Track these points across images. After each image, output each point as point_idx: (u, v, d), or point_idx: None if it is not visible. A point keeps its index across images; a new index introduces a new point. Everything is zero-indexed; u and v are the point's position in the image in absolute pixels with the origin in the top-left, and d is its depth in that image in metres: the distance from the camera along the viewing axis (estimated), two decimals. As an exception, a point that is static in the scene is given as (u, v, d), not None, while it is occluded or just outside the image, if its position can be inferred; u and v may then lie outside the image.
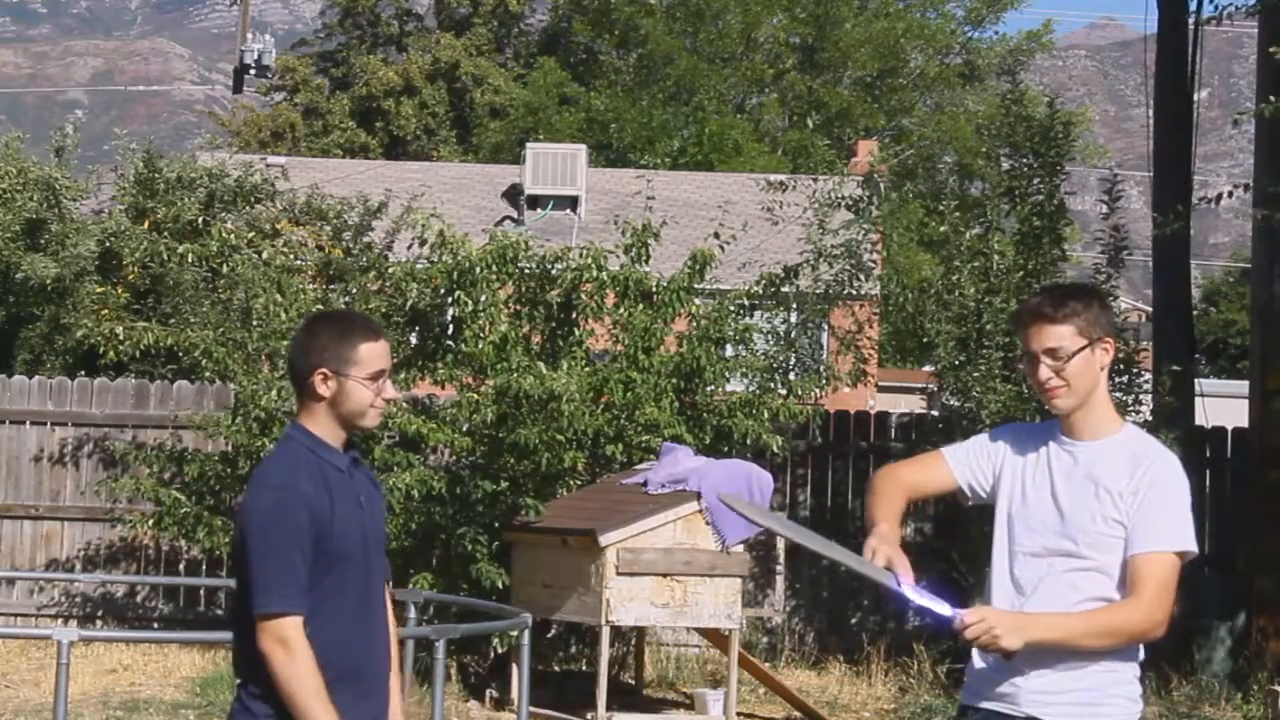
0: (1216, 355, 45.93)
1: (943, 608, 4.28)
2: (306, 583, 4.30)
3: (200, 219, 16.15)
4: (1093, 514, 4.32)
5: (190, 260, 14.61)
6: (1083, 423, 4.43)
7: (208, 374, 13.80)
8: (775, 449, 12.99)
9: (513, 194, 31.41)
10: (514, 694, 10.67)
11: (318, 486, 4.36)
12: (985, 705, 4.40)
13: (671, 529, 11.05)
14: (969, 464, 4.54)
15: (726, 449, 12.65)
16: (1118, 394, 13.46)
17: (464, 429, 12.45)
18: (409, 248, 13.91)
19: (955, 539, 13.93)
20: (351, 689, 4.40)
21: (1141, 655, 4.39)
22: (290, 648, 4.26)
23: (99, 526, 14.35)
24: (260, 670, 4.30)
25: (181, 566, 14.29)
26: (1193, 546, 4.32)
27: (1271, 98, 12.60)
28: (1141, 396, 13.68)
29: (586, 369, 12.62)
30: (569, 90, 40.70)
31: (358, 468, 4.53)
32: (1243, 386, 15.25)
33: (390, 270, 13.74)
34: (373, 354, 4.43)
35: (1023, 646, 4.20)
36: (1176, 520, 4.30)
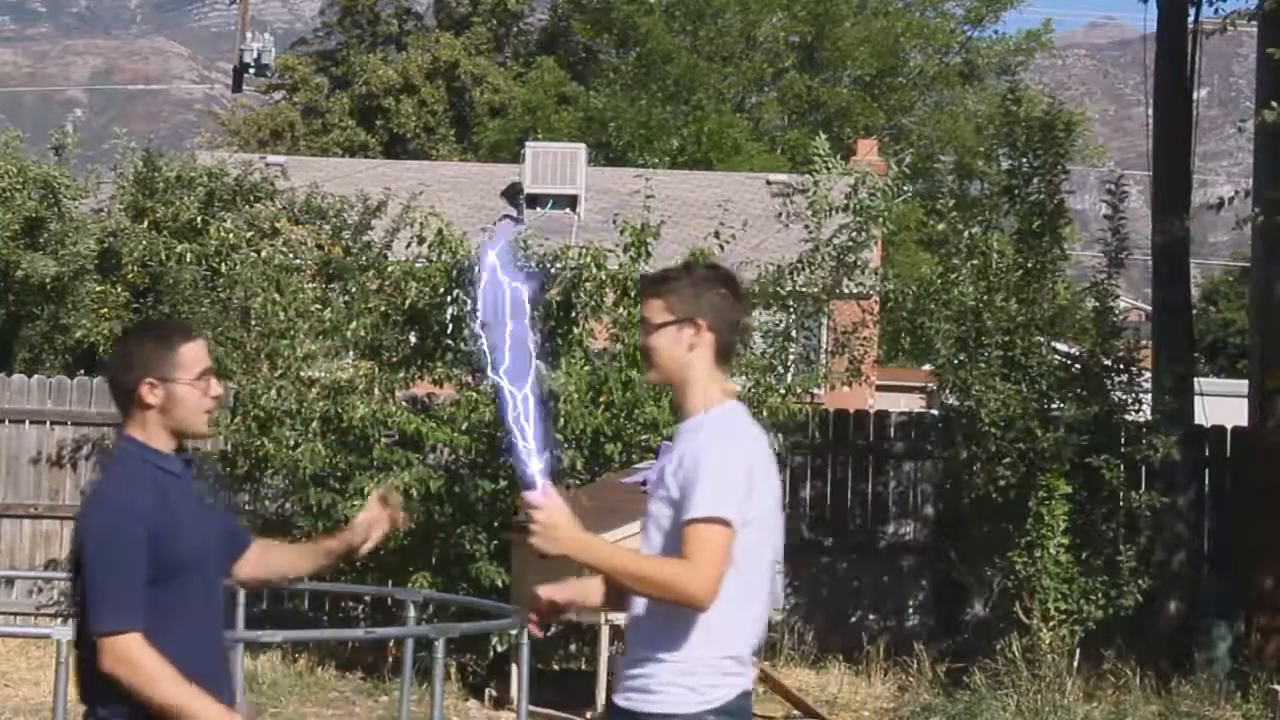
0: (1216, 355, 45.85)
1: (533, 460, 4.24)
2: (147, 600, 4.22)
3: (199, 218, 16.13)
4: (658, 499, 4.37)
5: (189, 259, 14.60)
6: (679, 405, 4.48)
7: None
8: (775, 448, 12.96)
9: (512, 193, 31.38)
10: (513, 693, 10.66)
11: (156, 499, 4.29)
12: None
13: (671, 528, 11.01)
14: None
15: (726, 448, 12.61)
16: (1118, 393, 13.45)
17: (463, 428, 12.44)
18: (408, 246, 13.89)
19: (956, 539, 13.93)
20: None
21: (717, 649, 4.29)
22: (135, 663, 4.18)
23: (98, 525, 14.32)
24: (112, 689, 4.21)
25: (180, 565, 14.28)
26: (728, 514, 4.21)
27: (1274, 103, 12.57)
28: (1141, 396, 13.67)
29: (586, 368, 12.61)
30: (568, 89, 40.64)
31: (190, 468, 4.46)
32: (1242, 386, 15.22)
33: (389, 269, 13.73)
34: (193, 354, 4.39)
35: (555, 553, 4.22)
36: (715, 489, 4.23)
